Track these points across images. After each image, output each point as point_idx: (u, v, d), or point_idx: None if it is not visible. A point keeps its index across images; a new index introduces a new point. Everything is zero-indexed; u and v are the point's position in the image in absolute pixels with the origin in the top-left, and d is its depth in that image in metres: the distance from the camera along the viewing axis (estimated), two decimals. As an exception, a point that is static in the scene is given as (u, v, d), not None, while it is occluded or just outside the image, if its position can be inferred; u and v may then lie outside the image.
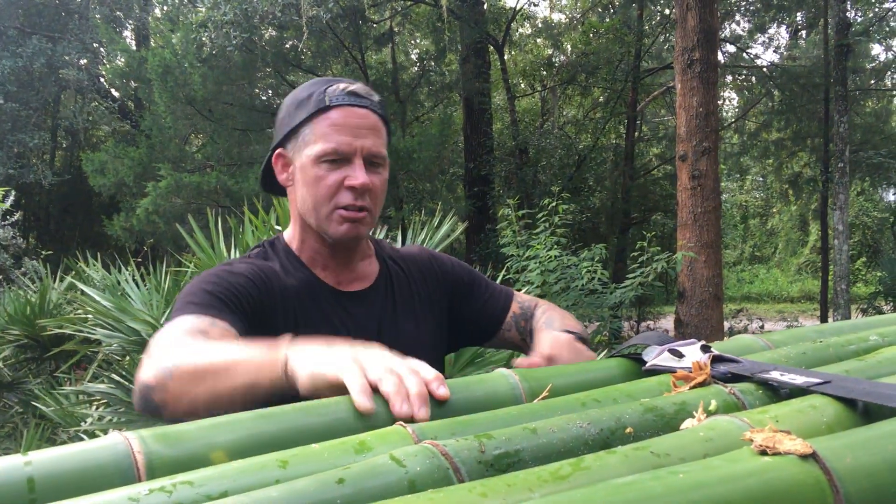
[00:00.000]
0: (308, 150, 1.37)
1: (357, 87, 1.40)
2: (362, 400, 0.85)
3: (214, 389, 1.01)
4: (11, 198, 8.45)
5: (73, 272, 4.99)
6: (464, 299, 1.56)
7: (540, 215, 7.13)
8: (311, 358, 0.96)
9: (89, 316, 3.56)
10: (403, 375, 0.90)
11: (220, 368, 1.02)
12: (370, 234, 1.53)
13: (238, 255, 3.55)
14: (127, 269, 4.06)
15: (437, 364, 1.50)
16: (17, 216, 8.77)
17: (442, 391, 0.90)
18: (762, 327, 14.83)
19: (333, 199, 1.36)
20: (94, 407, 3.51)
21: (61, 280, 5.20)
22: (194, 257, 3.60)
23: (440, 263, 1.57)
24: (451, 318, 1.55)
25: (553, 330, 1.39)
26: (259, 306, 1.30)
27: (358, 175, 1.34)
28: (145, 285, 3.93)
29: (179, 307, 1.25)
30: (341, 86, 1.38)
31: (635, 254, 7.02)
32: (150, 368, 1.08)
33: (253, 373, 1.00)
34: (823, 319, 13.57)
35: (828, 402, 0.78)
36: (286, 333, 1.29)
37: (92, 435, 3.46)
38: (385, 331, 1.43)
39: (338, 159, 1.35)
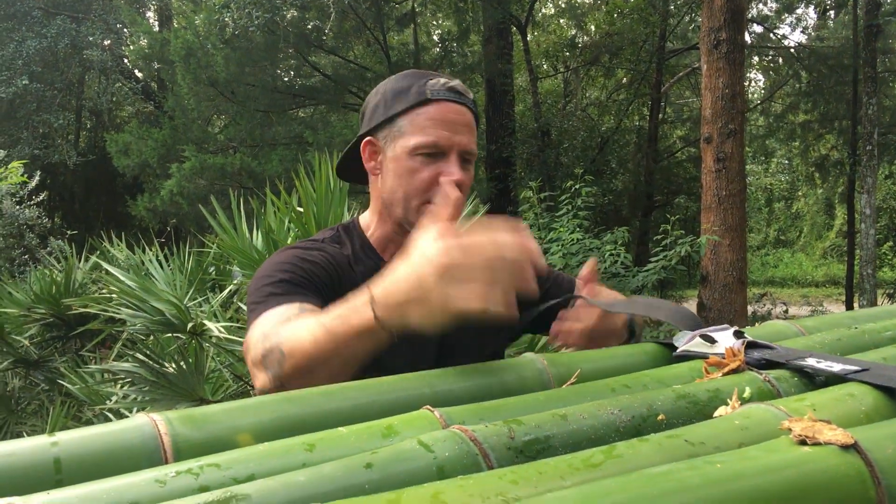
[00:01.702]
0: (404, 142, 1.37)
1: (456, 83, 1.41)
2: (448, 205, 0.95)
3: (331, 369, 1.03)
4: (37, 178, 8.53)
5: (98, 252, 5.03)
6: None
7: (562, 198, 7.09)
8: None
9: (114, 295, 3.59)
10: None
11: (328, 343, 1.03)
12: None
13: (259, 237, 3.57)
14: (151, 250, 4.09)
15: (499, 352, 1.53)
16: (42, 196, 8.85)
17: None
18: (786, 312, 14.69)
19: (427, 193, 1.35)
20: (118, 385, 3.54)
21: (86, 260, 5.24)
22: (217, 238, 3.61)
23: None
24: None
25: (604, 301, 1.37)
26: (331, 293, 1.31)
27: (454, 171, 1.34)
28: (169, 265, 3.95)
29: (261, 299, 1.25)
30: (441, 80, 1.39)
31: (658, 237, 6.97)
32: (263, 376, 1.10)
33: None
34: (849, 304, 13.42)
35: (866, 390, 0.76)
36: None
37: (117, 413, 3.50)
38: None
39: (434, 153, 1.35)
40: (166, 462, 0.68)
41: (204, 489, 0.59)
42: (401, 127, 1.38)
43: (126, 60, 15.99)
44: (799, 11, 17.21)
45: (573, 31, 17.10)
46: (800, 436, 0.60)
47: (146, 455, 0.68)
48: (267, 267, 1.33)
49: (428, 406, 0.76)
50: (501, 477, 0.56)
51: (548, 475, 0.57)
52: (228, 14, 10.32)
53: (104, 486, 0.58)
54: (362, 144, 1.46)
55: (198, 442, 0.71)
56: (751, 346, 0.91)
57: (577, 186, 6.97)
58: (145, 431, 0.70)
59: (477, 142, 1.45)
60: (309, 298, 1.24)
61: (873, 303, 10.79)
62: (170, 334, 3.40)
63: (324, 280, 1.31)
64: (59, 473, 0.64)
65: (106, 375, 3.79)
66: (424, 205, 1.35)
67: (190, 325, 3.19)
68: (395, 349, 1.29)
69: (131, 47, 14.48)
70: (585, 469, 0.59)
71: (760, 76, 19.52)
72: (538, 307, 1.55)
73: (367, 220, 1.47)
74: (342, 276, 1.35)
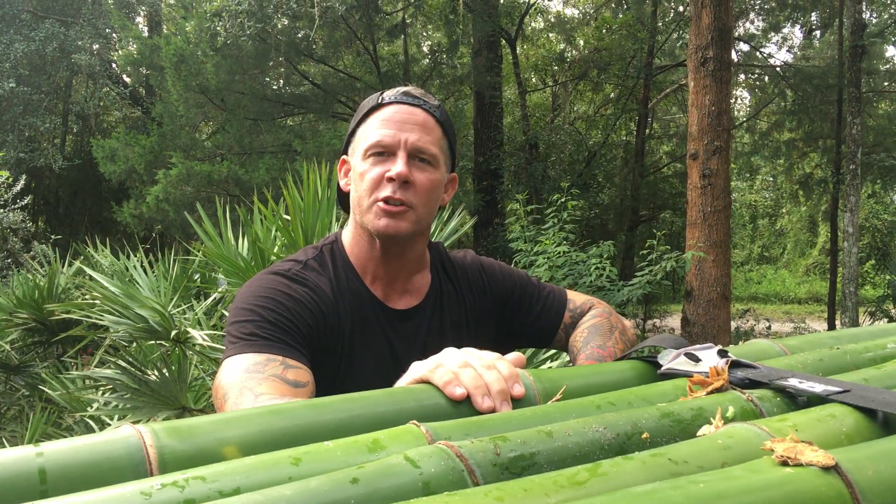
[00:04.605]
0: (359, 149, 1.38)
1: (413, 88, 1.41)
2: (452, 389, 0.89)
3: None
4: (22, 181, 8.47)
5: (82, 257, 5.00)
6: (513, 316, 1.54)
7: (549, 211, 7.12)
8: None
9: (97, 301, 3.57)
10: (480, 370, 0.92)
11: None
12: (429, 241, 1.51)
13: (246, 245, 3.55)
14: (135, 256, 4.07)
15: None
16: (27, 200, 8.79)
17: (517, 389, 0.91)
18: (769, 328, 14.77)
19: (375, 192, 1.35)
20: (100, 392, 3.51)
21: (70, 265, 5.20)
22: (203, 246, 3.59)
23: (490, 276, 1.54)
24: (499, 332, 1.53)
25: (582, 353, 1.39)
26: (316, 335, 1.31)
27: (397, 166, 1.33)
28: (153, 272, 3.93)
29: (243, 336, 1.23)
30: (401, 88, 1.40)
31: (644, 251, 7.01)
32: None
33: None
34: (831, 321, 13.51)
35: (847, 411, 0.77)
36: (338, 356, 1.31)
37: (98, 420, 3.47)
38: (430, 352, 1.41)
39: (383, 152, 1.35)
40: (152, 474, 0.68)
41: (189, 502, 0.59)
42: (358, 136, 1.40)
43: (114, 65, 15.93)
44: (785, 31, 17.44)
45: (562, 46, 17.19)
46: (782, 456, 0.61)
47: (132, 467, 0.68)
48: (252, 295, 1.30)
49: (414, 421, 0.76)
50: (487, 494, 0.56)
51: (533, 492, 0.57)
52: (220, 23, 10.30)
53: (89, 498, 0.58)
54: (339, 166, 1.48)
55: (184, 454, 0.70)
56: (734, 365, 0.92)
57: (563, 200, 7.00)
58: (131, 443, 0.70)
59: (450, 148, 1.44)
60: (291, 351, 1.22)
61: (855, 321, 10.88)
62: (153, 341, 3.38)
63: (309, 322, 1.30)
64: (44, 484, 0.64)
65: (87, 382, 3.76)
66: (375, 204, 1.34)
67: (173, 332, 3.18)
68: (376, 374, 1.28)
69: (120, 52, 14.42)
70: (570, 487, 0.59)
71: (746, 94, 19.71)
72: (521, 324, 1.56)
73: (348, 236, 1.46)
74: (327, 316, 1.34)
